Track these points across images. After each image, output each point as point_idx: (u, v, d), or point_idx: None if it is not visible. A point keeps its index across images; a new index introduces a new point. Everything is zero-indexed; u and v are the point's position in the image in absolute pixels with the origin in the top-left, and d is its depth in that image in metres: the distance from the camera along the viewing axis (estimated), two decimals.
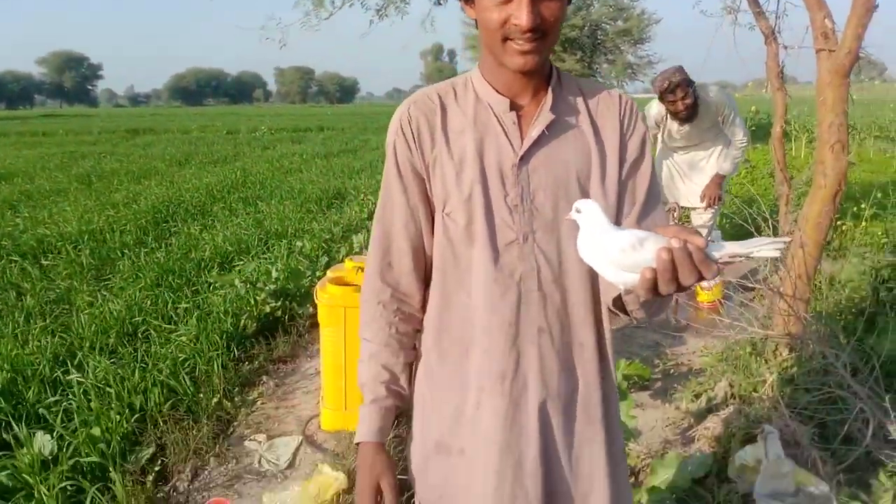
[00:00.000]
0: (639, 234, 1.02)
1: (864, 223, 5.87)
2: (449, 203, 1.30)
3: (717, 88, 4.73)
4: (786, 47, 3.71)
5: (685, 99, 4.39)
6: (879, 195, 6.09)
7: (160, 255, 6.02)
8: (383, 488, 1.35)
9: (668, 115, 4.67)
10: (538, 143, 1.28)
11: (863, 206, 5.97)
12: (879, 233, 5.55)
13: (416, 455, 1.43)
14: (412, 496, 1.43)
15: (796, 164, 11.93)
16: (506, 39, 1.19)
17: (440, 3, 4.47)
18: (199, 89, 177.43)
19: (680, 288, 0.99)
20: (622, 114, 1.33)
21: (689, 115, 4.51)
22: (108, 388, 3.28)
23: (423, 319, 1.42)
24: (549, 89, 1.30)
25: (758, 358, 3.40)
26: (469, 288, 1.32)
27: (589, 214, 1.07)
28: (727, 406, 3.13)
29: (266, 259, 5.79)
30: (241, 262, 5.82)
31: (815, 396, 2.92)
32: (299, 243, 6.35)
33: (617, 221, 1.31)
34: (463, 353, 1.34)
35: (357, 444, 1.40)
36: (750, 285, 3.69)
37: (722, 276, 4.57)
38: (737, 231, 5.95)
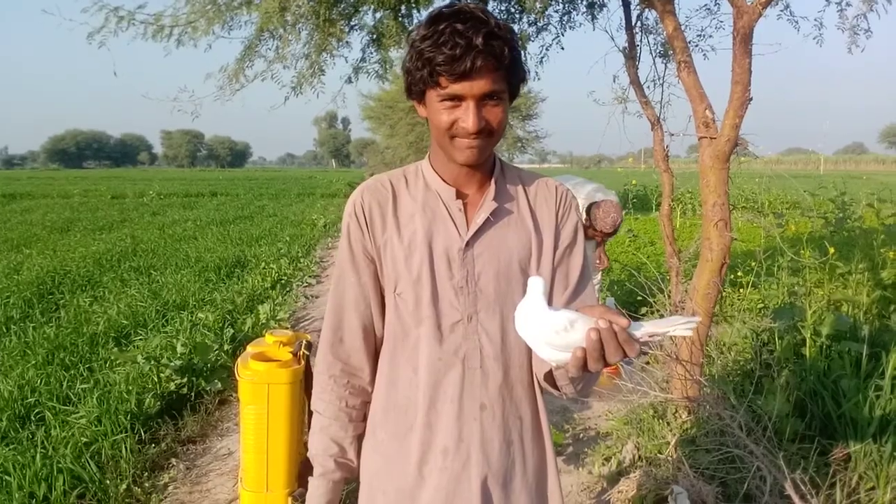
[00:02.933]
0: (570, 315, 1.12)
1: (742, 290, 6.37)
2: (399, 284, 1.40)
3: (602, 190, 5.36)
4: (672, 134, 4.08)
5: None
6: (753, 264, 6.65)
7: (49, 330, 5.69)
8: None
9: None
10: (483, 229, 1.40)
11: (740, 273, 6.50)
12: (757, 298, 6.05)
13: None
14: None
15: (675, 234, 12.81)
16: (454, 138, 1.32)
17: (351, 81, 4.62)
18: (79, 152, 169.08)
19: (606, 365, 1.11)
20: (558, 203, 1.48)
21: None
22: (6, 477, 3.06)
23: (372, 392, 1.49)
24: (493, 180, 1.44)
25: (660, 420, 3.62)
26: (416, 365, 1.41)
27: (532, 292, 1.16)
28: (636, 468, 3.31)
29: (167, 333, 5.59)
30: (139, 337, 5.60)
31: (715, 456, 3.14)
32: (201, 315, 6.17)
33: (549, 301, 1.45)
34: (408, 429, 1.41)
35: None
36: (648, 350, 3.94)
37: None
38: (628, 297, 6.32)
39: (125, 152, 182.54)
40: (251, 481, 3.06)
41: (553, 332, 1.11)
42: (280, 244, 11.94)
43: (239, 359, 3.12)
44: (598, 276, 5.65)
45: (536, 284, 1.17)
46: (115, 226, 15.35)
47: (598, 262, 5.55)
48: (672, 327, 1.11)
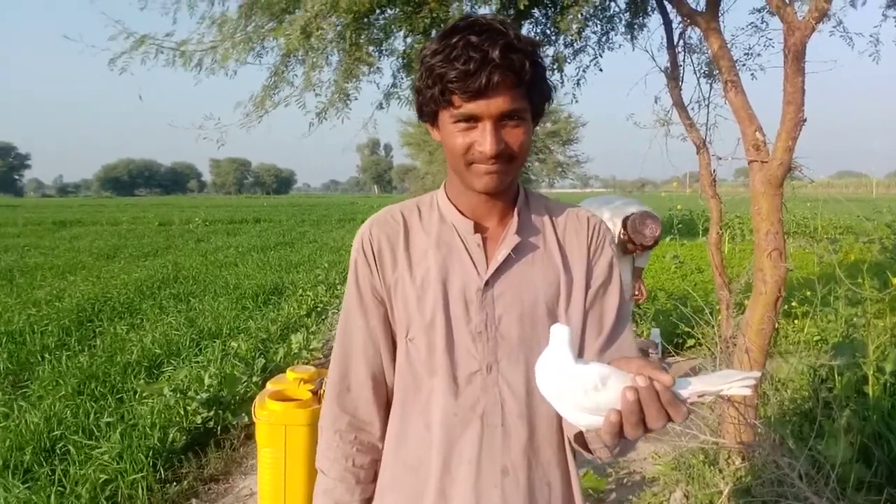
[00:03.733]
0: (602, 370, 0.95)
1: (797, 321, 6.02)
2: (411, 328, 1.25)
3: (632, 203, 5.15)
4: (719, 158, 3.85)
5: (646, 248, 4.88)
6: (808, 293, 6.29)
7: (83, 359, 5.66)
8: None
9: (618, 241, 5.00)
10: (504, 266, 1.23)
11: (794, 304, 6.15)
12: (813, 331, 5.69)
13: None
14: None
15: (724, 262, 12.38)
16: (470, 164, 1.17)
17: (382, 108, 4.50)
18: (131, 180, 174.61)
19: (647, 431, 0.93)
20: (590, 237, 1.31)
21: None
22: None
23: (383, 450, 1.32)
24: (516, 211, 1.27)
25: (711, 467, 3.35)
26: (429, 421, 1.24)
27: (556, 342, 1.00)
28: None
29: (198, 363, 5.50)
30: (171, 367, 5.52)
31: None
32: (234, 344, 6.09)
33: (580, 350, 1.27)
34: (419, 494, 1.24)
35: None
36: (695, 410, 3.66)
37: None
38: (674, 329, 6.02)
39: (175, 180, 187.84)
40: None
41: (581, 391, 0.94)
42: (318, 270, 11.90)
43: (257, 398, 2.99)
44: (626, 294, 5.43)
45: (561, 333, 1.00)
46: (160, 252, 15.55)
47: (636, 293, 5.29)
48: (726, 385, 0.93)
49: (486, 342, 1.21)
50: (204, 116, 3.91)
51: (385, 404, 1.32)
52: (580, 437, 1.19)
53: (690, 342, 5.70)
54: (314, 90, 3.92)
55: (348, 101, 3.91)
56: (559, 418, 1.26)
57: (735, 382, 0.93)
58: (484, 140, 1.13)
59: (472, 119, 1.13)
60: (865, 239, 11.95)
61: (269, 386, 2.93)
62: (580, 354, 1.26)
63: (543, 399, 1.21)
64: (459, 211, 1.27)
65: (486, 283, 1.22)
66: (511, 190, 1.28)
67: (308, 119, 3.99)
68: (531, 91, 1.15)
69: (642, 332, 6.14)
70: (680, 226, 16.30)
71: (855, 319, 5.65)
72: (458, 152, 1.16)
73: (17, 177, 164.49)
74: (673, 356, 5.33)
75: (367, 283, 1.28)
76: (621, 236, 4.95)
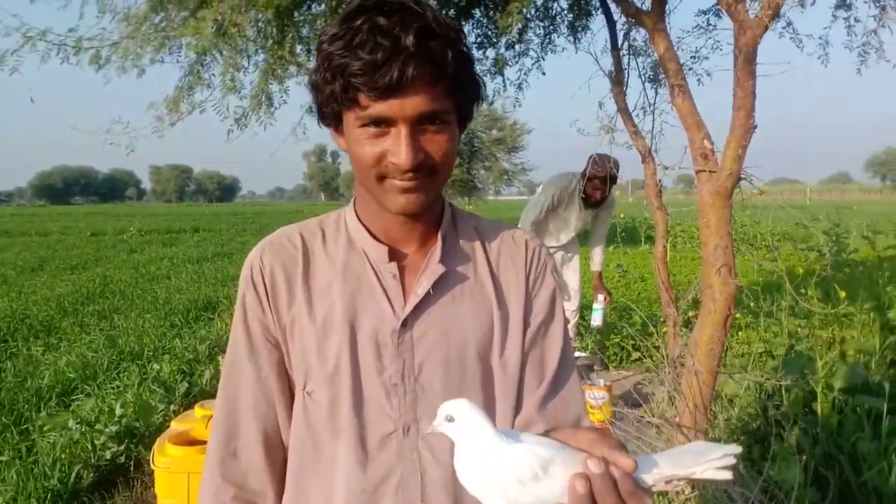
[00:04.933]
0: (541, 451, 0.74)
1: (739, 332, 5.93)
2: (311, 380, 1.00)
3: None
4: (665, 168, 3.68)
5: (605, 192, 4.84)
6: (752, 303, 6.22)
7: None
8: None
9: (579, 196, 4.95)
10: (425, 303, 1.01)
11: (738, 316, 6.06)
12: (758, 341, 5.60)
13: None
14: None
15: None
16: (383, 178, 0.93)
17: (312, 111, 4.18)
18: (67, 188, 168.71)
19: None
20: (529, 264, 1.08)
21: (598, 204, 4.98)
22: None
23: None
24: (440, 234, 1.04)
25: (660, 497, 3.14)
26: (330, 497, 0.98)
27: (465, 423, 0.77)
28: None
29: (114, 388, 5.08)
30: (86, 393, 5.08)
31: None
32: (156, 366, 5.67)
33: (518, 401, 1.03)
34: None
35: None
36: (647, 419, 3.46)
37: (611, 396, 4.38)
38: (621, 341, 5.85)
39: (113, 187, 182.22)
40: None
41: (516, 481, 0.72)
42: None
43: (157, 441, 2.65)
44: (577, 302, 5.29)
45: (465, 411, 0.78)
46: (89, 264, 14.78)
47: (603, 296, 5.30)
48: (700, 466, 0.75)
49: (402, 396, 0.99)
50: (111, 120, 3.55)
51: (281, 469, 1.07)
52: None
53: (635, 355, 5.54)
54: (235, 93, 3.60)
55: (272, 106, 3.60)
56: None
57: (711, 462, 0.75)
58: (398, 149, 0.90)
59: (384, 123, 0.90)
60: (804, 246, 12.15)
61: (173, 425, 2.61)
62: (517, 408, 1.03)
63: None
64: (371, 234, 1.04)
65: (404, 324, 0.99)
66: (434, 209, 1.05)
67: (227, 125, 3.66)
68: (455, 87, 0.92)
69: (588, 324, 5.81)
70: (623, 234, 16.40)
71: (798, 331, 5.59)
72: (366, 164, 0.93)
73: None
74: (616, 370, 5.16)
75: (258, 322, 1.04)
76: (582, 192, 4.87)
